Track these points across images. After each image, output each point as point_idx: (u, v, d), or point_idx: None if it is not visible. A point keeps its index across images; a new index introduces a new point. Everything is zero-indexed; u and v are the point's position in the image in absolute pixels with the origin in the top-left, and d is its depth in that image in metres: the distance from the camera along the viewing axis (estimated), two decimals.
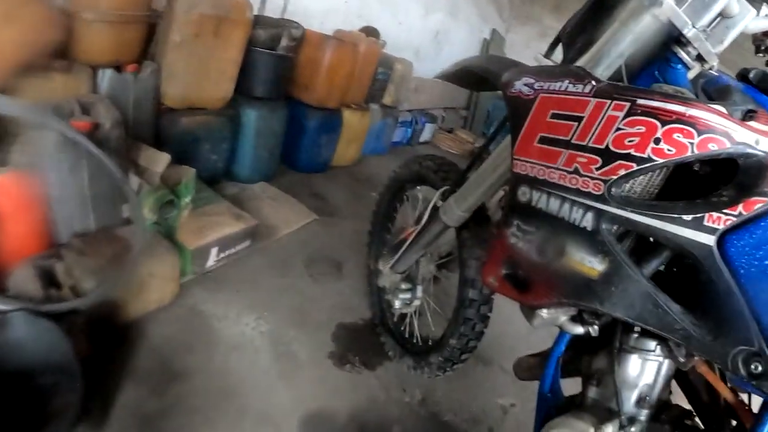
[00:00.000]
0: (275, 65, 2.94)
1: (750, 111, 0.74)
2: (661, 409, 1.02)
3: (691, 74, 1.00)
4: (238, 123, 2.84)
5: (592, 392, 1.06)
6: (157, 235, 1.95)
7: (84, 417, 1.41)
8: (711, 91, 0.85)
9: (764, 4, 1.04)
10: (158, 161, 1.98)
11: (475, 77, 1.50)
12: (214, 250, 2.15)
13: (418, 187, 1.95)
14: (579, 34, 1.11)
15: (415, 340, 2.11)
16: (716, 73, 0.91)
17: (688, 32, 0.90)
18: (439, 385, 2.11)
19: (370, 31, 4.05)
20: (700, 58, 0.96)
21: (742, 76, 0.89)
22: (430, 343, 1.98)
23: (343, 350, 2.08)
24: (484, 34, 7.11)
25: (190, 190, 2.08)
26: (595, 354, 1.09)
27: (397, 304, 1.98)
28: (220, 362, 1.80)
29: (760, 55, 1.21)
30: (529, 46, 7.56)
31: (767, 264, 0.73)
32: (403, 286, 1.97)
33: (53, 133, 1.56)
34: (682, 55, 0.95)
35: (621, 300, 0.82)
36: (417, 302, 2.00)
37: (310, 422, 1.73)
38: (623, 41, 0.94)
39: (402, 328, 2.18)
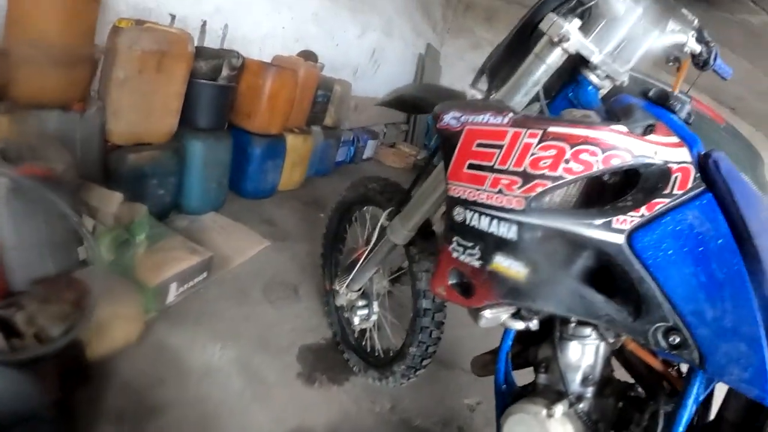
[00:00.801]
0: (217, 96, 3.02)
1: (649, 126, 0.92)
2: (605, 385, 1.17)
3: (603, 91, 1.17)
4: (184, 155, 2.89)
5: (542, 379, 1.23)
6: (116, 275, 1.99)
7: None
8: (617, 110, 1.03)
9: (670, 21, 1.22)
10: (111, 201, 2.03)
11: (408, 102, 1.65)
12: (173, 286, 2.21)
13: (366, 208, 2.07)
14: (500, 66, 1.27)
15: (377, 354, 2.24)
16: (627, 97, 1.07)
17: (596, 59, 1.08)
18: (406, 394, 2.24)
19: (308, 55, 4.17)
20: (609, 77, 1.13)
21: (644, 94, 1.05)
22: (391, 354, 2.13)
23: (310, 370, 2.17)
24: (419, 48, 7.35)
25: (144, 228, 2.14)
26: (540, 345, 1.25)
27: (356, 320, 2.10)
28: (194, 392, 1.86)
29: (670, 64, 1.40)
30: (463, 58, 7.86)
31: (671, 254, 0.89)
32: (360, 303, 2.10)
33: (5, 179, 1.58)
34: (592, 77, 1.14)
35: (549, 297, 0.99)
36: (374, 317, 2.13)
37: None
38: (538, 71, 1.11)
39: (363, 343, 2.30)
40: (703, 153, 0.91)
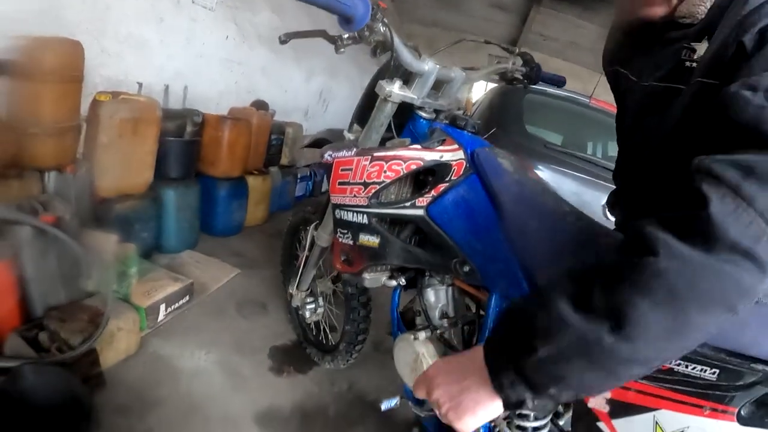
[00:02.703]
0: (184, 149, 3.48)
1: (442, 140, 1.50)
2: (457, 317, 1.67)
3: (444, 118, 1.74)
4: (160, 203, 3.31)
5: (418, 321, 1.76)
6: (118, 299, 2.43)
7: None
8: (431, 132, 1.61)
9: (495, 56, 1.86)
10: (107, 241, 2.44)
11: (321, 144, 2.23)
12: (162, 307, 2.66)
13: (308, 228, 2.51)
14: (361, 115, 1.83)
15: (329, 342, 2.77)
16: (436, 123, 1.66)
17: (417, 102, 1.65)
18: (362, 376, 2.74)
19: (260, 104, 4.63)
20: (438, 111, 1.73)
21: (447, 119, 1.67)
22: (337, 339, 2.65)
23: (279, 364, 2.66)
24: (364, 84, 7.81)
25: (135, 262, 2.57)
26: (415, 299, 1.79)
27: (307, 314, 2.61)
28: (185, 388, 2.28)
29: (513, 84, 2.04)
30: None
31: (452, 215, 1.39)
32: (309, 300, 2.61)
33: (27, 227, 1.98)
34: (422, 114, 1.72)
35: (393, 255, 1.54)
36: (321, 310, 2.64)
37: (262, 418, 2.25)
38: (381, 118, 1.67)
39: (320, 338, 2.82)
40: (474, 151, 1.43)
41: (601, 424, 1.15)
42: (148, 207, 3.22)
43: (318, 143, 2.32)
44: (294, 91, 5.72)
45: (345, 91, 7.16)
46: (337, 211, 1.66)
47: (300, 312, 2.70)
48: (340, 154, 1.61)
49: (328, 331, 2.80)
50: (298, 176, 5.41)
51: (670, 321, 0.74)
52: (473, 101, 5.08)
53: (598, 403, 1.14)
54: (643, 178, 1.30)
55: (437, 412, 0.98)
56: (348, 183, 1.57)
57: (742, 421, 1.00)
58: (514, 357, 0.86)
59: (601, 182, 3.10)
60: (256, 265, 3.79)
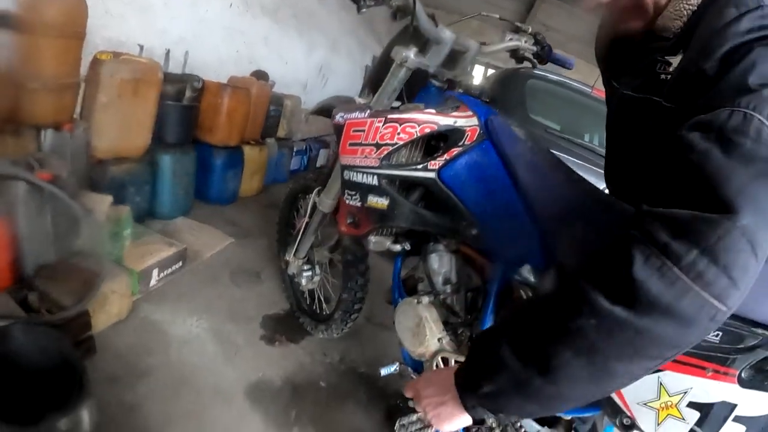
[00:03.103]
0: (183, 115, 3.46)
1: (455, 107, 1.51)
2: (460, 284, 1.70)
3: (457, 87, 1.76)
4: (156, 167, 3.30)
5: (420, 287, 1.80)
6: (110, 261, 2.39)
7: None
8: (445, 100, 1.63)
9: (509, 32, 1.87)
10: (102, 202, 2.43)
11: (329, 110, 2.22)
12: (155, 272, 2.64)
13: (307, 196, 2.52)
14: (376, 81, 1.81)
15: (323, 312, 2.78)
16: (450, 92, 1.69)
17: (432, 70, 1.69)
18: (353, 348, 2.76)
19: (260, 75, 4.60)
20: (450, 82, 1.74)
21: (460, 88, 1.70)
22: (333, 308, 2.65)
23: (271, 333, 2.67)
24: (365, 61, 7.80)
25: (129, 224, 2.56)
26: (417, 266, 1.82)
27: (303, 282, 2.62)
28: (176, 357, 2.24)
29: (520, 63, 2.06)
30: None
31: (464, 179, 1.42)
32: (305, 267, 2.62)
33: (22, 183, 1.93)
34: (435, 83, 1.74)
35: (401, 217, 1.56)
36: (317, 278, 2.65)
37: (253, 390, 2.23)
38: (394, 83, 1.69)
39: (314, 307, 2.83)
40: (488, 118, 1.45)
41: None
42: (143, 171, 3.20)
43: (325, 110, 2.30)
44: (294, 63, 5.70)
45: (345, 67, 7.14)
46: (346, 172, 1.68)
47: (296, 280, 2.71)
48: (353, 115, 1.64)
49: (322, 300, 2.81)
50: (294, 149, 5.42)
51: (592, 369, 0.83)
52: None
53: None
54: (626, 183, 1.40)
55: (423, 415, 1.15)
56: (360, 144, 1.59)
57: (743, 383, 1.03)
58: (472, 387, 1.02)
59: (600, 170, 3.10)
60: (250, 234, 3.80)
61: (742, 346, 1.03)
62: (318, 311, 2.82)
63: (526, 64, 2.11)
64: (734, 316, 0.93)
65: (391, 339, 2.94)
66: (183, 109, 3.45)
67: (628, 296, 0.76)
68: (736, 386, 1.03)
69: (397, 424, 1.47)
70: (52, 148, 2.49)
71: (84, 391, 1.53)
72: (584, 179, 1.44)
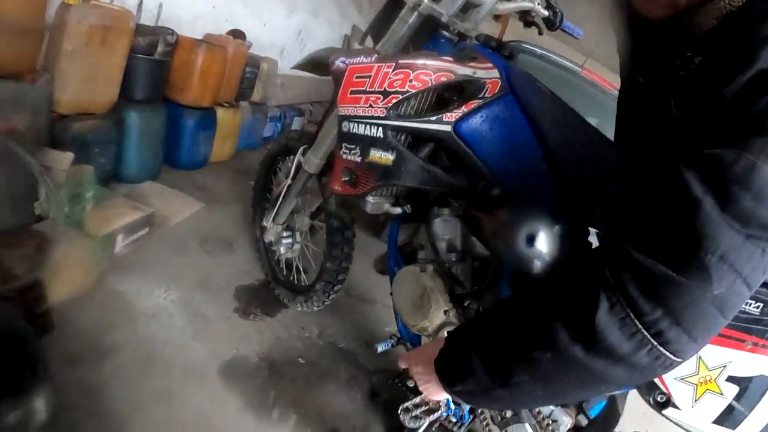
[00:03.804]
0: (153, 70, 3.24)
1: (473, 57, 1.41)
2: (465, 252, 1.62)
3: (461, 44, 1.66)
4: (123, 126, 3.10)
5: (421, 254, 1.70)
6: (70, 226, 2.21)
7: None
8: (459, 51, 1.50)
9: None
10: (62, 160, 2.26)
11: (321, 64, 2.06)
12: (119, 237, 2.47)
13: (288, 158, 2.43)
14: (379, 27, 1.71)
15: (302, 283, 2.65)
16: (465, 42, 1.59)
17: (445, 20, 1.56)
18: (332, 322, 2.65)
19: (237, 34, 4.39)
20: (461, 35, 1.63)
21: (478, 40, 1.58)
22: (314, 278, 2.50)
23: (245, 305, 2.53)
24: (344, 30, 7.61)
25: (92, 184, 2.39)
26: (417, 232, 1.71)
27: (282, 249, 2.50)
28: (143, 332, 2.10)
29: (528, 27, 1.92)
30: None
31: (483, 134, 1.34)
32: (285, 234, 2.50)
33: None
34: (445, 33, 1.62)
35: (408, 175, 1.45)
36: (297, 246, 2.54)
37: (228, 368, 2.11)
38: (403, 30, 1.58)
39: (291, 278, 2.70)
40: (511, 72, 1.37)
41: None
42: (109, 129, 3.00)
43: (315, 64, 2.14)
44: (273, 25, 5.47)
45: (324, 34, 6.92)
46: (345, 123, 1.55)
47: (273, 248, 2.60)
48: (357, 60, 1.51)
49: (301, 270, 2.69)
50: (269, 115, 5.25)
51: (547, 392, 0.92)
52: None
53: None
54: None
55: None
56: (363, 92, 1.47)
57: None
58: (448, 382, 1.09)
59: None
60: (221, 200, 3.63)
61: None
62: (295, 282, 2.69)
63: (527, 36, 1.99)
64: None
65: (372, 313, 2.89)
66: (154, 63, 3.23)
67: (587, 338, 0.79)
68: None
69: (400, 409, 1.39)
70: (11, 100, 2.29)
71: (38, 377, 1.33)
72: (611, 141, 1.36)
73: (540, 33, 1.99)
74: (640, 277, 0.75)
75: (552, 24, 1.89)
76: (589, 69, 3.95)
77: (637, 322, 0.75)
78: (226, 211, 3.46)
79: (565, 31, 1.99)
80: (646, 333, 0.74)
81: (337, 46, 7.58)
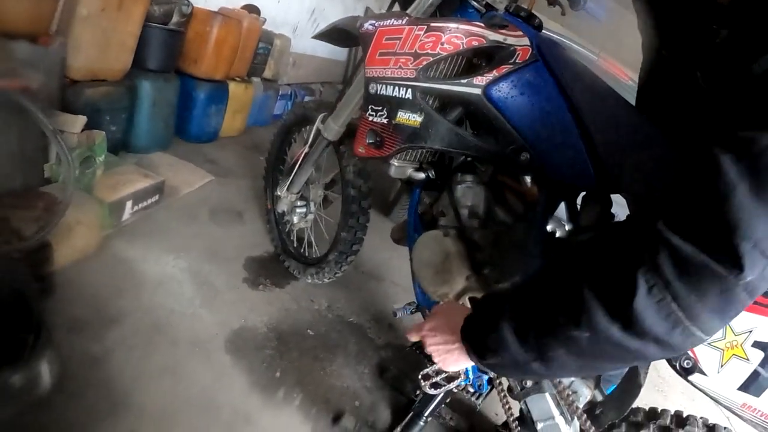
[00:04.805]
0: (168, 39, 3.22)
1: (504, 25, 1.42)
2: (487, 219, 1.62)
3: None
4: (135, 94, 3.08)
5: (442, 221, 1.71)
6: (79, 190, 2.18)
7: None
8: (489, 19, 1.47)
9: None
10: (75, 123, 2.26)
11: (344, 34, 2.05)
12: (128, 204, 2.46)
13: (305, 128, 2.41)
14: None
15: (314, 254, 2.64)
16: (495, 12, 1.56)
17: None
18: (341, 296, 2.65)
19: (252, 9, 4.36)
20: (489, 6, 1.60)
21: (507, 10, 1.55)
22: (326, 250, 2.50)
23: (254, 275, 2.53)
24: (358, 11, 7.56)
25: (103, 149, 2.39)
26: (438, 198, 1.71)
27: (295, 219, 2.51)
28: (148, 300, 2.07)
29: (551, 6, 1.90)
30: None
31: (515, 98, 1.36)
32: (299, 203, 2.50)
33: None
34: (474, 3, 1.61)
35: (436, 137, 1.46)
36: (311, 216, 2.55)
37: (235, 340, 2.09)
38: None
39: (301, 250, 2.70)
40: (542, 40, 1.39)
41: None
42: (122, 97, 2.99)
43: (337, 33, 2.12)
44: (287, 2, 5.42)
45: (337, 14, 6.80)
46: (372, 85, 1.57)
47: (287, 217, 2.60)
48: (387, 22, 1.52)
49: (313, 242, 2.68)
50: (279, 93, 5.24)
51: (581, 364, 0.93)
52: None
53: None
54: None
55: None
56: (393, 53, 1.48)
57: None
58: (478, 354, 1.08)
59: None
60: (231, 173, 3.62)
61: None
62: (306, 254, 2.69)
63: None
64: None
65: (381, 289, 2.89)
66: (169, 33, 3.21)
67: (625, 320, 0.80)
68: None
69: (420, 375, 1.38)
70: (25, 61, 2.24)
71: (42, 340, 1.32)
72: (638, 111, 1.34)
73: (563, 13, 1.96)
74: (678, 261, 0.75)
75: (576, 3, 1.86)
76: (605, 57, 3.91)
77: (674, 305, 0.76)
78: (235, 183, 3.45)
79: (588, 12, 1.97)
80: (681, 315, 0.76)
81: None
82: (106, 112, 2.85)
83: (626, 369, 1.44)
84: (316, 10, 6.19)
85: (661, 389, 3.27)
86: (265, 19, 4.47)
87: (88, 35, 2.59)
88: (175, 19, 3.20)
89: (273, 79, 5.00)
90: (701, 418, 1.45)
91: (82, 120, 2.28)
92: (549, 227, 1.42)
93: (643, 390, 1.38)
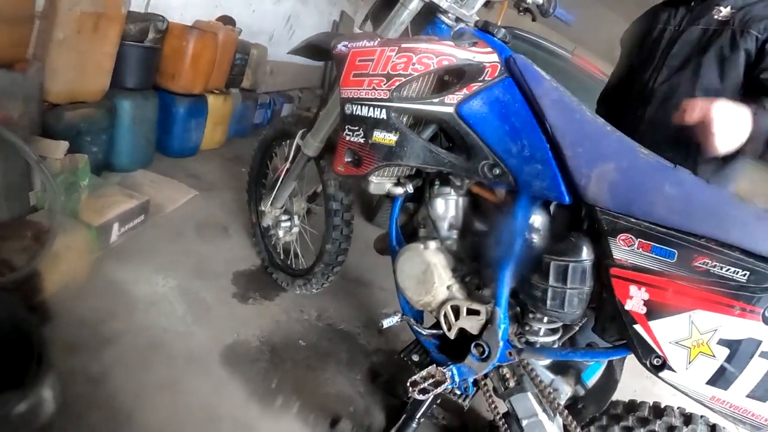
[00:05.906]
0: (144, 57, 3.24)
1: (473, 42, 1.48)
2: (466, 230, 1.68)
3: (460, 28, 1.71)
4: (115, 114, 3.09)
5: (421, 233, 1.76)
6: (65, 216, 2.14)
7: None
8: (458, 35, 1.55)
9: None
10: (57, 149, 2.27)
11: (318, 49, 2.10)
12: (115, 226, 2.47)
13: (284, 142, 2.45)
14: (380, 12, 1.79)
15: (300, 266, 2.69)
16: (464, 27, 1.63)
17: (444, 6, 1.65)
18: (330, 305, 2.69)
19: (227, 20, 4.38)
20: (459, 20, 1.70)
21: (476, 25, 1.63)
22: (313, 261, 2.54)
23: (243, 290, 2.57)
24: (333, 16, 7.61)
25: (87, 173, 2.41)
26: (418, 210, 1.77)
27: (280, 233, 2.56)
28: (141, 320, 2.10)
29: (521, 14, 1.97)
30: None
31: (485, 115, 1.42)
32: (283, 218, 2.55)
33: None
34: (444, 19, 1.70)
35: (411, 154, 1.52)
36: (296, 229, 2.60)
37: (229, 353, 2.13)
38: (403, 15, 1.68)
39: (288, 262, 2.74)
40: (510, 56, 1.44)
41: (638, 327, 1.24)
42: (101, 118, 2.99)
43: (311, 49, 2.16)
44: (262, 11, 5.46)
45: (313, 21, 6.90)
46: (348, 105, 1.61)
47: (271, 232, 2.65)
48: (360, 44, 1.57)
49: (299, 253, 2.73)
50: (258, 102, 5.27)
51: None
52: None
53: (635, 305, 1.23)
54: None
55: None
56: (367, 75, 1.53)
57: (767, 320, 1.10)
58: None
59: None
60: (214, 187, 3.65)
61: (766, 285, 1.09)
62: (293, 266, 2.73)
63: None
64: (761, 257, 1.09)
65: (369, 295, 2.94)
66: (145, 50, 3.24)
67: None
68: (761, 324, 1.09)
69: (409, 382, 1.46)
70: (2, 89, 2.26)
71: (44, 366, 1.32)
72: (606, 121, 1.41)
73: (533, 19, 2.03)
74: None
75: (545, 11, 1.93)
76: (579, 55, 3.98)
77: None
78: (219, 197, 3.48)
79: (558, 18, 2.03)
80: None
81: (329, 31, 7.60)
82: (86, 133, 2.84)
83: (605, 365, 1.52)
84: (292, 17, 6.22)
85: (649, 376, 3.32)
86: (241, 30, 4.50)
87: (65, 58, 2.60)
88: (150, 36, 3.21)
89: (251, 89, 5.03)
90: (678, 408, 1.52)
91: (64, 146, 2.30)
92: (524, 236, 1.47)
93: (632, 377, 1.44)
